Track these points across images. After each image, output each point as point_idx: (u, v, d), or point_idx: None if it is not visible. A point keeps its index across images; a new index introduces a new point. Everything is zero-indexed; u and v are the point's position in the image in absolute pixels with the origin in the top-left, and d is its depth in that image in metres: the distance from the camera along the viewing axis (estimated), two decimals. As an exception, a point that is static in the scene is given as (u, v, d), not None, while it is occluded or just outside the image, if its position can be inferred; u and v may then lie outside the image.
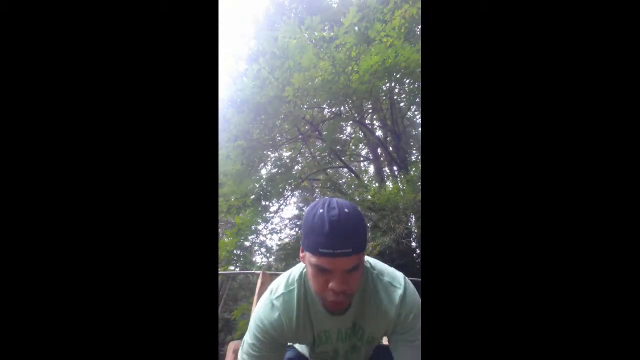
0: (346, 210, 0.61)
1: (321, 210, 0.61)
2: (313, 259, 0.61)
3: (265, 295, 0.78)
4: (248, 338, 0.77)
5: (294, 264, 0.82)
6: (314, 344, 0.80)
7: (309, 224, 0.62)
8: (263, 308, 0.76)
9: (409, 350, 0.74)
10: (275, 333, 0.74)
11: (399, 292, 0.73)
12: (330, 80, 3.97)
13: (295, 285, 0.75)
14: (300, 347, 0.93)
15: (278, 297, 0.75)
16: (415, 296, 0.75)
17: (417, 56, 3.76)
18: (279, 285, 0.77)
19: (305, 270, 0.75)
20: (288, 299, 0.74)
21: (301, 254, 0.68)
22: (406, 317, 0.73)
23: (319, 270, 0.62)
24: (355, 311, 0.75)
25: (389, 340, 0.79)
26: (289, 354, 0.92)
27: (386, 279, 0.76)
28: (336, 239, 0.59)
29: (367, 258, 0.77)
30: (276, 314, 0.74)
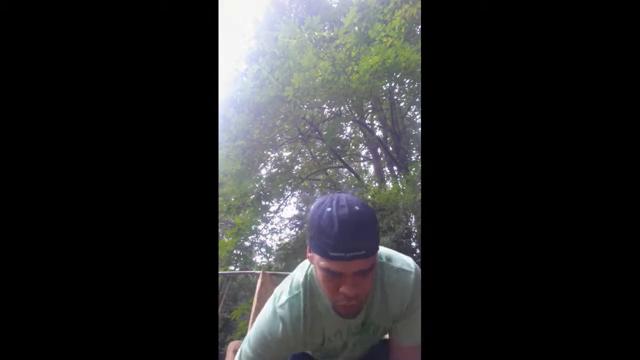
0: (356, 208, 0.56)
1: (329, 209, 0.56)
2: (323, 263, 0.56)
3: (269, 303, 0.73)
4: (247, 349, 0.72)
5: (294, 264, 0.79)
6: (324, 344, 0.76)
7: (316, 223, 0.56)
8: (266, 319, 0.70)
9: (415, 329, 0.70)
10: (279, 348, 0.69)
11: (412, 276, 0.69)
12: (330, 80, 3.97)
13: (301, 288, 0.69)
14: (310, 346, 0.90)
15: (283, 304, 0.69)
16: (420, 277, 0.70)
17: (417, 56, 3.76)
18: (282, 291, 0.72)
19: (310, 271, 0.70)
20: (294, 305, 0.69)
21: (309, 254, 0.62)
22: (415, 299, 0.69)
23: (330, 274, 0.57)
24: (368, 307, 0.70)
25: (395, 323, 0.75)
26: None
27: (397, 264, 0.70)
28: (348, 241, 0.54)
29: None
30: (280, 327, 0.68)
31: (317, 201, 0.61)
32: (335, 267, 0.56)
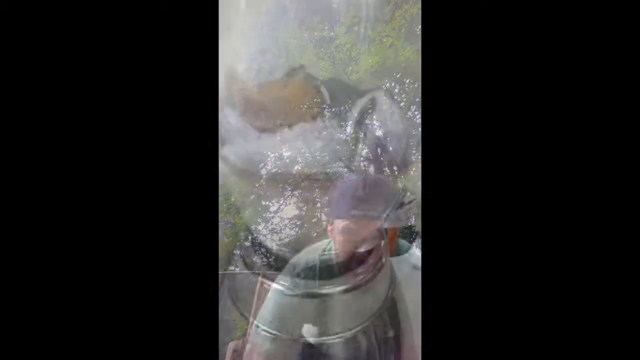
0: (379, 178, 0.61)
1: (354, 177, 0.61)
2: (343, 224, 0.61)
3: (280, 281, 0.74)
4: (265, 319, 0.72)
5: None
6: (335, 327, 0.76)
7: (340, 190, 0.63)
8: (282, 291, 0.72)
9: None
10: (295, 318, 0.70)
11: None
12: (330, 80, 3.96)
13: (317, 262, 0.71)
14: (311, 336, 0.90)
15: (299, 273, 0.71)
16: None
17: (417, 56, 3.76)
18: (295, 265, 0.74)
19: (328, 246, 0.72)
20: (309, 276, 0.70)
21: (329, 227, 0.67)
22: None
23: (348, 233, 0.61)
24: (378, 291, 0.72)
25: (403, 321, 0.76)
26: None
27: (413, 259, 0.73)
28: (367, 200, 0.59)
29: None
30: (298, 295, 0.69)
31: (342, 179, 0.66)
32: (354, 225, 0.60)
